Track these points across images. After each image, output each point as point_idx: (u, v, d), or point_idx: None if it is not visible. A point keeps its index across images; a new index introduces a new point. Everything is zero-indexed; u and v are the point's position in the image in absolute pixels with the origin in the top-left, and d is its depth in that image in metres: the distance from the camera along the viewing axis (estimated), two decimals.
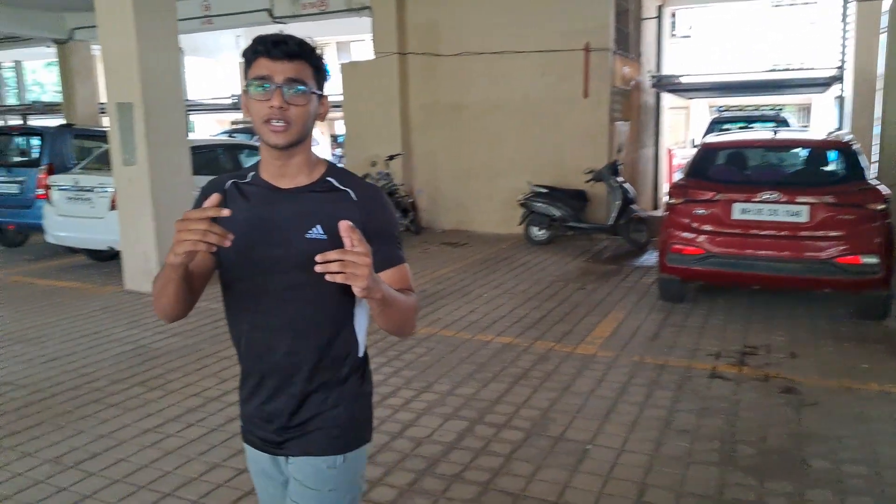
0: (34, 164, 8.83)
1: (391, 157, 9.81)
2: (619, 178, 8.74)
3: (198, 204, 1.53)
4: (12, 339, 5.25)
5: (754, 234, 5.47)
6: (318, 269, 1.24)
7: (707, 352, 4.84)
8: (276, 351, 1.52)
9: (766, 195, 5.37)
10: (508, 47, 9.73)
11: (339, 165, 1.61)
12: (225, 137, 15.83)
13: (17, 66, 23.48)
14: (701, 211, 5.65)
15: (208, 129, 22.23)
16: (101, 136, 9.39)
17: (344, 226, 1.26)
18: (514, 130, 9.95)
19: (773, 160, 6.86)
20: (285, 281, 1.49)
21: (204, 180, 6.36)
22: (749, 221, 5.48)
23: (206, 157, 8.04)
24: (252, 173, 1.56)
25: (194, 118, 21.35)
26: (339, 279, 1.24)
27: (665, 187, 12.16)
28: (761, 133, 8.47)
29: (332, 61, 24.07)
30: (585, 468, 3.23)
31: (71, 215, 7.61)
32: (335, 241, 1.39)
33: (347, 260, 1.24)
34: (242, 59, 1.48)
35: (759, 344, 4.98)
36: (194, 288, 1.53)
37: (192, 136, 8.29)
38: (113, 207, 7.09)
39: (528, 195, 9.06)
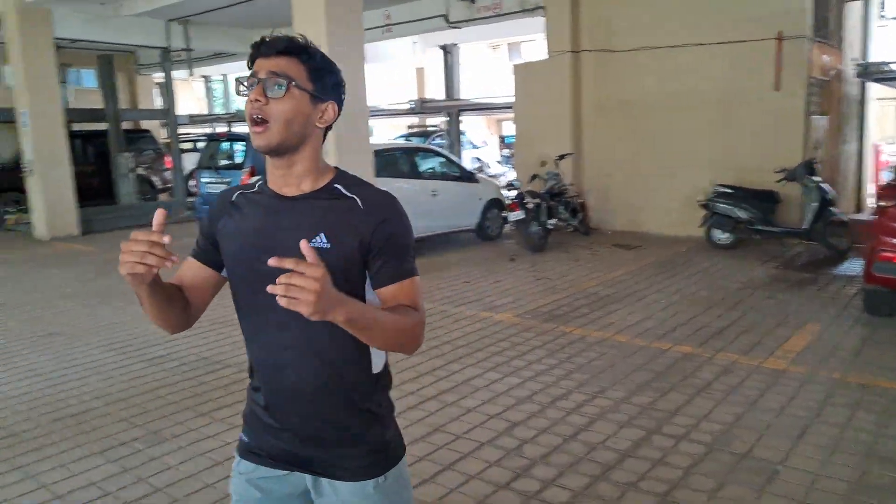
0: (238, 167, 9.87)
1: (561, 157, 9.72)
2: (816, 178, 7.97)
3: (209, 213, 1.52)
4: (222, 322, 5.89)
5: None
6: (269, 289, 1.12)
7: None
8: (284, 370, 1.43)
9: None
10: (688, 39, 9.24)
11: (350, 172, 1.50)
12: (402, 141, 16.63)
13: (224, 79, 26.31)
14: None
15: (386, 133, 23.46)
16: None
17: (302, 245, 1.17)
18: (694, 127, 9.44)
19: None
20: None
21: (385, 182, 6.71)
22: None
23: (385, 160, 8.50)
24: (260, 182, 1.50)
25: (372, 122, 22.59)
26: (282, 303, 1.12)
27: (871, 187, 10.90)
28: None
29: (504, 62, 24.27)
30: (775, 490, 2.99)
31: None
32: (340, 251, 1.35)
33: (291, 283, 1.11)
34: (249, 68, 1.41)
35: None
36: (191, 300, 1.48)
37: (372, 140, 8.80)
38: None
39: (711, 195, 8.54)
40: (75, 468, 3.37)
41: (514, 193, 9.25)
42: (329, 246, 1.35)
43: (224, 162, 10.71)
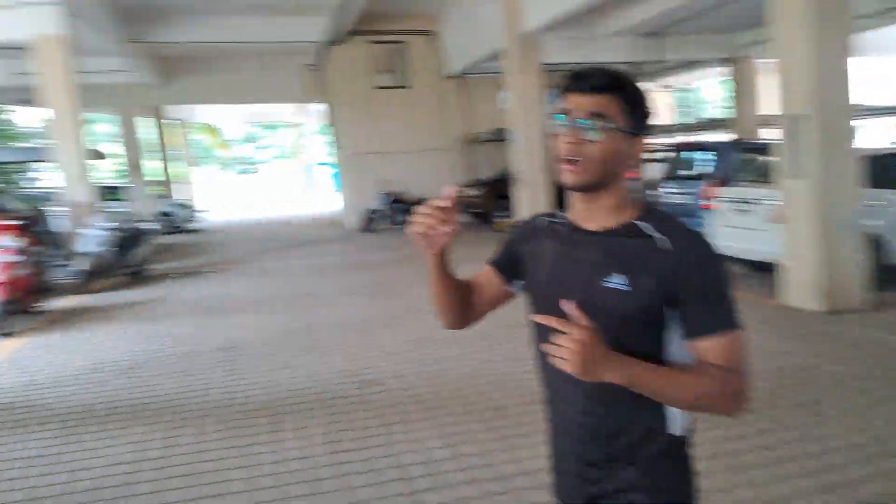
0: (697, 178, 9.59)
1: None
2: None
3: (517, 231, 1.58)
4: None
5: None
6: (543, 346, 1.24)
7: None
8: (570, 406, 1.40)
9: None
10: None
11: (661, 210, 1.39)
12: None
13: (688, 89, 26.13)
14: None
15: (876, 135, 20.10)
16: (760, 149, 9.50)
17: (567, 307, 1.22)
18: None
19: None
20: None
21: (878, 194, 5.71)
22: None
23: (880, 167, 7.17)
24: (564, 213, 1.48)
25: (856, 123, 19.52)
26: (554, 362, 1.19)
27: None
28: None
29: None
30: None
31: (735, 226, 7.85)
32: (639, 294, 1.27)
33: (559, 343, 1.18)
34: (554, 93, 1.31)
35: None
36: (472, 301, 1.56)
37: (859, 143, 7.53)
38: (778, 220, 6.96)
39: None
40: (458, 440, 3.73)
41: None
42: (630, 289, 1.29)
43: (684, 172, 10.53)
